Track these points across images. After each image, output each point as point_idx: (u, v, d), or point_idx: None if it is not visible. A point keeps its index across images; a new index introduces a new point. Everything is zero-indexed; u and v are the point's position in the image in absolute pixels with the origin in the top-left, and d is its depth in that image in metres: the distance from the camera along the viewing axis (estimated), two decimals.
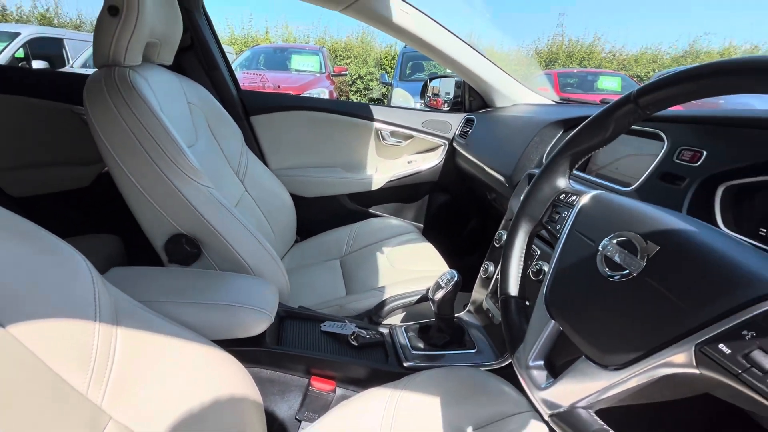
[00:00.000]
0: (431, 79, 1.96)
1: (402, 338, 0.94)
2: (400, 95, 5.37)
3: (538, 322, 0.51)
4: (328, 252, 1.43)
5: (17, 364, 0.36)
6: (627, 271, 0.41)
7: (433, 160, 1.73)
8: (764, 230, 0.62)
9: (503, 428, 0.68)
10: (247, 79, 5.33)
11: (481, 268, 1.10)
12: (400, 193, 1.80)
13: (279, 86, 5.07)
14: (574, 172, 1.00)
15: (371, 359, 0.87)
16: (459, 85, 1.77)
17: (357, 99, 10.56)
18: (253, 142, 1.61)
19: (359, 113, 1.65)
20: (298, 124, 1.64)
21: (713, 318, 0.33)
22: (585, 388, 0.41)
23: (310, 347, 0.86)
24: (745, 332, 0.31)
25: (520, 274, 0.60)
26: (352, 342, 0.89)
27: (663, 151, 0.75)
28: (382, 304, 1.05)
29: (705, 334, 0.33)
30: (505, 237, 1.05)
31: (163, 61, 1.01)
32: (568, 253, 0.50)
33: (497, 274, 1.04)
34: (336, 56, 10.64)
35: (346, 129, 1.68)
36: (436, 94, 1.94)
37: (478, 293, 1.11)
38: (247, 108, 1.58)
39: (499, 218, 1.59)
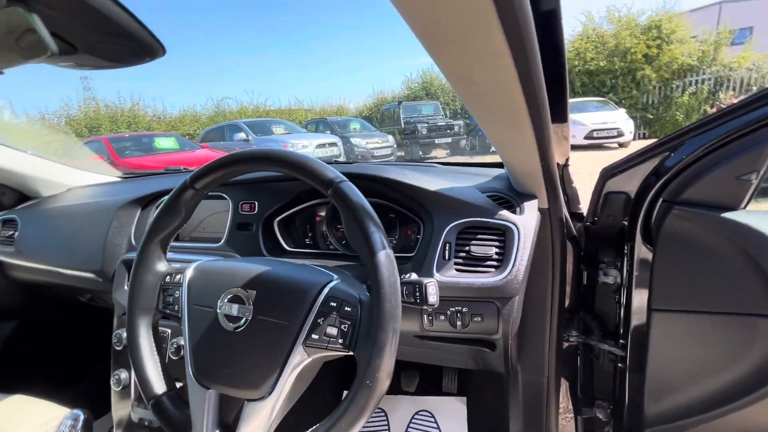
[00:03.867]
0: None
1: None
2: None
3: (198, 399, 0.52)
4: None
5: None
6: (244, 318, 0.51)
7: None
8: (308, 240, 0.93)
9: None
10: None
11: (111, 381, 0.93)
12: None
13: None
14: (172, 243, 1.04)
15: None
16: None
17: None
18: None
19: None
20: None
21: (301, 321, 0.49)
22: (260, 424, 0.49)
23: None
24: (319, 320, 0.48)
25: (159, 369, 0.58)
26: None
27: (230, 209, 0.93)
28: None
29: (303, 334, 0.48)
30: (125, 336, 0.94)
31: None
32: (195, 327, 0.54)
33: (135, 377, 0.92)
34: None
35: None
36: None
37: (122, 410, 0.93)
38: None
39: (106, 317, 1.35)
